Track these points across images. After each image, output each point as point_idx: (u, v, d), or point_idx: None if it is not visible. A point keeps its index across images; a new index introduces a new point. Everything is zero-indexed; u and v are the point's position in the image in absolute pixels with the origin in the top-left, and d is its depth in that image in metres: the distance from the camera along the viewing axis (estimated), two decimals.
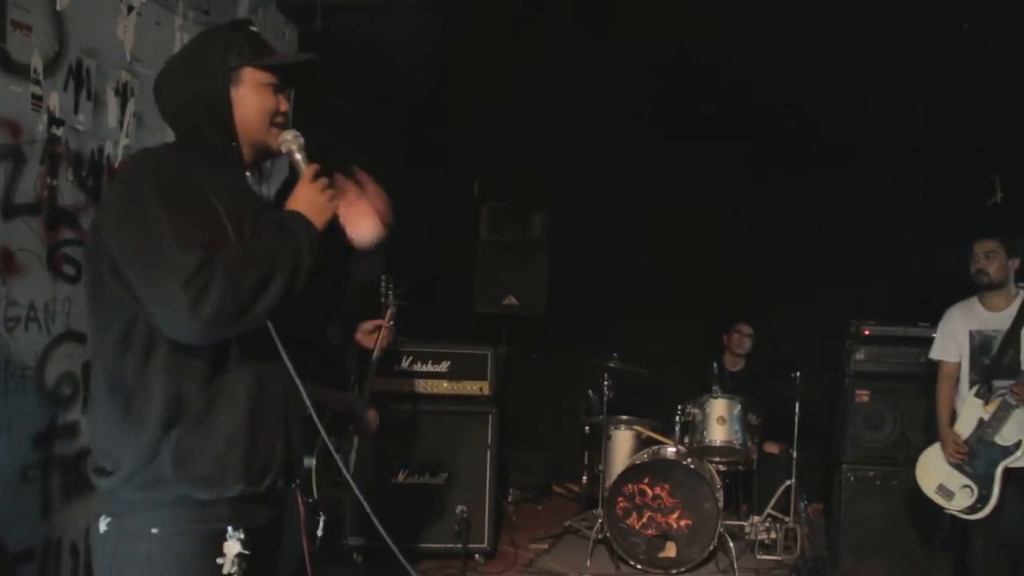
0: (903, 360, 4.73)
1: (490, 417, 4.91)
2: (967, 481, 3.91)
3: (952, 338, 4.14)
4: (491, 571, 4.82)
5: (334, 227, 1.91)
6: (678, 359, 6.10)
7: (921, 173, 6.10)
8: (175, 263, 1.62)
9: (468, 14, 4.96)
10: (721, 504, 4.93)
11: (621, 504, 4.91)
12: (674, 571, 4.82)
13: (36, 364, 2.91)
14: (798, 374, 5.17)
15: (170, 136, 1.94)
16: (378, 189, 2.14)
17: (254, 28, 1.96)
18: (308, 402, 1.81)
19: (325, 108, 4.91)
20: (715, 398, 5.16)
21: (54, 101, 2.93)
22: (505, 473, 6.26)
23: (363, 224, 1.99)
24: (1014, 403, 3.82)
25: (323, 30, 4.52)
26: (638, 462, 5.04)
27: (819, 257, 6.19)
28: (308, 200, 1.86)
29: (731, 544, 4.88)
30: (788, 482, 5.20)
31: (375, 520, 1.75)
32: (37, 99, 2.86)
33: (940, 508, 4.02)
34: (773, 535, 5.15)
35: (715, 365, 5.50)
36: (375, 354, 3.17)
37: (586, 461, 5.83)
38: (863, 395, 4.83)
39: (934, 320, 4.55)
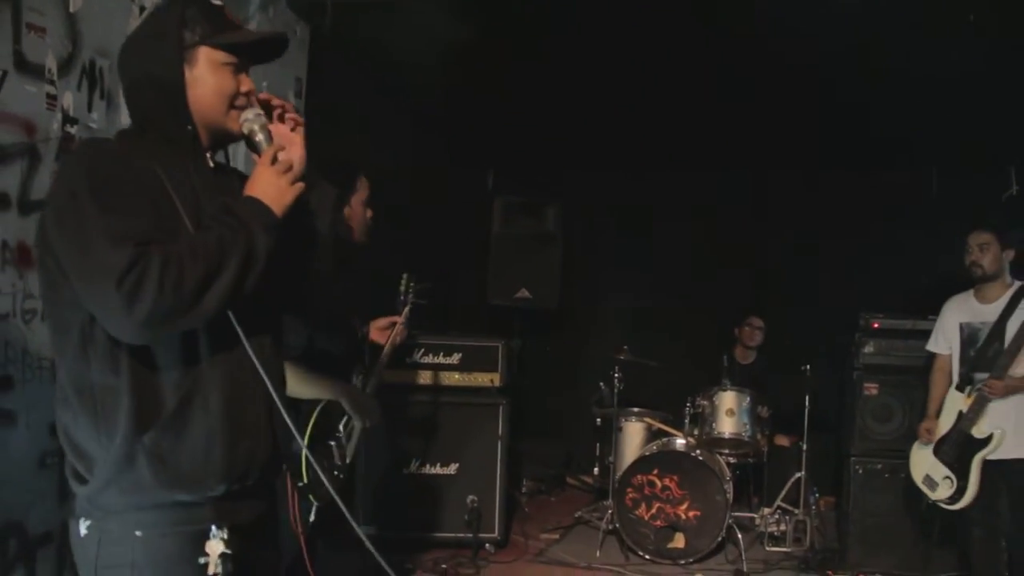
0: (912, 353, 4.72)
1: (500, 408, 4.98)
2: (948, 472, 3.96)
3: (943, 331, 4.21)
4: (502, 560, 4.88)
5: (301, 209, 1.77)
6: (689, 352, 6.13)
7: (935, 165, 6.08)
8: (106, 261, 1.52)
9: (480, 8, 5.01)
10: (730, 496, 4.97)
11: (630, 495, 4.97)
12: (683, 562, 4.87)
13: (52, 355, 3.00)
14: (808, 367, 5.20)
15: None
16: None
17: (217, 1, 1.80)
18: (273, 392, 1.72)
19: (337, 104, 5.00)
20: (724, 390, 5.19)
21: (68, 100, 3.01)
22: (518, 464, 6.33)
23: (295, 148, 1.76)
24: (988, 396, 3.84)
25: (334, 27, 4.58)
26: (647, 453, 5.09)
27: (832, 250, 6.19)
28: (266, 184, 1.71)
29: (740, 535, 4.91)
30: (798, 474, 5.23)
31: (343, 508, 1.73)
32: (51, 98, 2.94)
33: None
34: (783, 527, 5.18)
35: (724, 358, 5.52)
36: (386, 349, 3.22)
37: (598, 453, 5.88)
38: (872, 388, 4.84)
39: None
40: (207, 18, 1.74)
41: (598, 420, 5.83)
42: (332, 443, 2.89)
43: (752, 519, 5.33)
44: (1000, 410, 3.84)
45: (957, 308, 4.17)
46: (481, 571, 4.67)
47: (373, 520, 4.84)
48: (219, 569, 1.70)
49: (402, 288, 3.45)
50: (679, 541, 4.90)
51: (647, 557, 4.90)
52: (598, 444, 5.85)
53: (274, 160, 1.73)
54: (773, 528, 5.19)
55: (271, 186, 1.71)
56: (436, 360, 5.02)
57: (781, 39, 4.90)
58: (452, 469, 4.94)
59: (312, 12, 4.52)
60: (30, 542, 2.94)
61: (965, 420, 3.91)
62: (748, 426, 5.15)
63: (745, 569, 4.74)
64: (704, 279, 6.44)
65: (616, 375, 5.38)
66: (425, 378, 5.01)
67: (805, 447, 5.19)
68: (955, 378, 4.08)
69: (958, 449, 3.93)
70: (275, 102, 1.82)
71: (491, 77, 5.80)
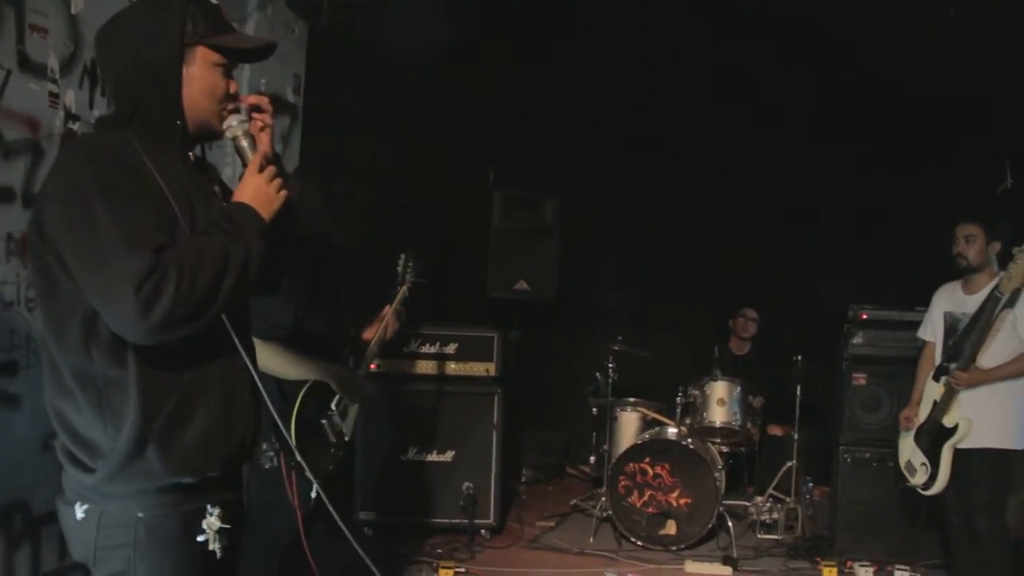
0: (899, 344, 4.81)
1: (496, 397, 5.09)
2: (924, 459, 4.05)
3: (931, 319, 4.27)
4: (496, 546, 5.00)
5: (285, 215, 1.85)
6: (684, 342, 6.23)
7: (929, 157, 6.13)
8: (124, 268, 1.56)
9: (478, 6, 5.10)
10: (721, 483, 5.06)
11: (623, 483, 5.07)
12: (674, 548, 4.97)
13: None
14: (800, 357, 5.29)
15: None
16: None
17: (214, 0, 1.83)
18: (258, 380, 1.81)
19: (336, 100, 5.11)
20: (715, 380, 5.30)
21: (70, 98, 3.14)
22: (518, 454, 6.46)
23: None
24: (955, 387, 3.91)
25: (332, 25, 4.69)
26: (639, 442, 5.19)
27: (825, 241, 6.26)
28: (255, 190, 1.78)
29: (730, 522, 5.00)
30: (789, 463, 5.32)
31: (319, 488, 1.82)
32: (54, 96, 3.07)
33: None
34: (775, 515, 5.27)
35: (716, 348, 5.62)
36: (372, 342, 3.23)
37: (594, 442, 5.99)
38: (860, 378, 4.92)
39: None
40: (207, 17, 1.77)
41: (594, 410, 5.93)
42: (324, 421, 2.95)
43: (745, 507, 5.42)
44: (970, 400, 3.90)
45: (944, 297, 4.23)
46: (476, 556, 4.78)
47: (371, 506, 4.97)
48: (216, 544, 1.78)
49: (399, 267, 3.47)
50: (670, 528, 5.00)
51: (639, 543, 5.00)
52: (594, 434, 5.95)
53: (261, 168, 1.80)
54: (765, 516, 5.28)
55: (260, 194, 1.78)
56: (433, 350, 5.13)
57: (779, 38, 5.01)
58: (448, 456, 5.06)
59: (310, 10, 4.63)
60: (35, 520, 3.08)
61: (937, 409, 3.98)
62: (739, 415, 5.25)
63: (735, 555, 4.83)
64: (698, 271, 6.54)
65: (611, 365, 5.49)
66: (422, 367, 5.11)
67: (796, 437, 5.28)
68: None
69: (931, 437, 4.01)
70: (249, 100, 1.88)
71: (489, 74, 5.91)
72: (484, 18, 5.22)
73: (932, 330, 4.25)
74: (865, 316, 4.96)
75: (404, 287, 3.43)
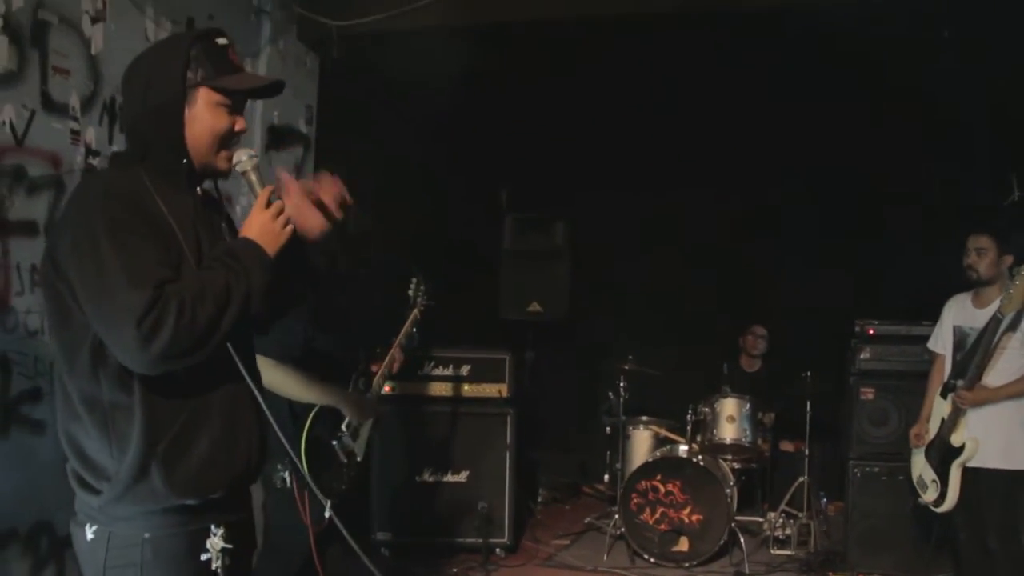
0: (907, 358, 4.84)
1: (508, 418, 5.16)
2: (934, 476, 3.98)
3: (941, 331, 4.18)
4: (511, 564, 5.05)
5: (295, 248, 1.91)
6: (694, 360, 6.28)
7: (936, 169, 6.17)
8: (126, 302, 1.63)
9: (484, 34, 5.22)
10: (732, 500, 5.10)
11: (635, 500, 5.12)
12: (687, 564, 5.00)
13: None
14: (808, 374, 5.34)
15: None
16: (330, 178, 1.99)
17: (221, 40, 1.88)
18: (263, 403, 1.87)
19: (349, 130, 5.25)
20: (725, 397, 5.35)
21: (90, 135, 3.30)
22: (533, 473, 6.52)
23: (307, 219, 1.92)
24: (961, 406, 3.85)
25: (344, 56, 4.82)
26: (651, 460, 5.24)
27: (833, 257, 6.29)
28: (261, 227, 1.84)
29: (742, 538, 5.04)
30: (801, 479, 5.36)
31: (316, 489, 1.90)
32: (75, 133, 3.23)
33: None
34: (788, 531, 5.29)
35: (725, 366, 5.67)
36: (377, 376, 3.30)
37: (607, 461, 6.04)
38: (868, 392, 4.96)
39: (937, 319, 4.68)
40: (211, 59, 1.83)
41: (607, 429, 6.00)
42: (334, 443, 3.04)
43: (759, 523, 5.45)
44: (978, 419, 3.83)
45: (955, 309, 4.13)
46: (491, 574, 4.85)
47: (388, 526, 5.05)
48: (219, 563, 1.84)
49: (411, 291, 3.55)
50: (683, 544, 5.04)
51: (652, 560, 5.04)
52: (608, 452, 6.01)
53: (268, 203, 1.85)
54: (778, 532, 5.30)
55: (266, 230, 1.83)
56: (446, 372, 5.21)
57: (780, 57, 5.10)
58: (463, 477, 5.13)
59: (321, 43, 4.77)
60: (59, 541, 3.19)
61: (945, 427, 3.92)
62: (748, 432, 5.29)
63: (747, 571, 4.86)
64: (707, 290, 6.59)
65: (622, 384, 5.56)
66: (436, 389, 5.20)
67: (808, 452, 5.32)
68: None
69: (940, 455, 3.95)
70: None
71: (500, 99, 6.03)
72: (493, 45, 5.34)
73: (942, 343, 4.15)
74: (872, 331, 5.01)
75: (415, 310, 3.51)
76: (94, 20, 3.34)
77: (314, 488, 2.23)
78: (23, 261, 3.06)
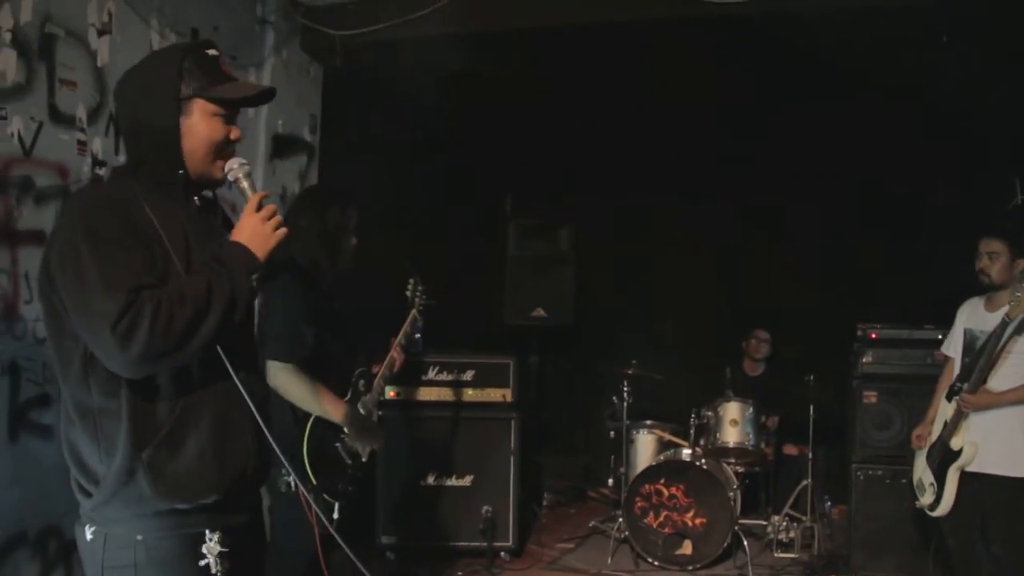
0: (909, 361, 4.88)
1: (513, 422, 5.19)
2: (932, 479, 3.96)
3: (953, 334, 4.13)
4: (516, 568, 5.09)
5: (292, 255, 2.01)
6: (698, 364, 6.31)
7: (941, 173, 6.18)
8: (101, 308, 1.67)
9: (486, 42, 5.26)
10: (736, 503, 5.12)
11: (639, 504, 5.15)
12: (690, 568, 5.03)
13: None
14: (811, 377, 5.36)
15: None
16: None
17: (212, 52, 1.93)
18: (256, 412, 1.89)
19: (353, 138, 5.31)
20: (728, 401, 5.36)
21: (97, 145, 3.36)
22: (538, 477, 6.55)
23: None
24: (964, 409, 3.82)
25: (347, 65, 4.87)
26: (655, 464, 5.27)
27: (837, 260, 6.32)
28: (251, 231, 1.87)
29: (745, 541, 5.06)
30: (804, 482, 5.38)
31: (312, 503, 1.92)
32: (82, 144, 3.29)
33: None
34: (792, 534, 5.31)
35: (728, 370, 5.69)
36: (377, 379, 3.30)
37: (612, 464, 6.07)
38: (871, 396, 4.98)
39: (939, 322, 4.71)
40: (203, 70, 1.86)
41: (612, 433, 6.02)
42: (337, 444, 3.06)
43: (763, 526, 5.47)
44: (979, 423, 3.79)
45: (967, 313, 4.07)
46: None
47: (393, 530, 5.09)
48: (218, 568, 1.87)
49: (408, 292, 3.55)
50: (687, 548, 5.07)
51: (656, 564, 5.06)
52: (612, 456, 6.04)
53: (259, 207, 1.90)
54: (782, 535, 5.32)
55: (255, 234, 1.88)
56: (451, 377, 5.25)
57: (782, 58, 5.12)
58: (468, 481, 5.16)
59: (324, 52, 4.81)
60: (67, 545, 3.24)
61: (946, 430, 3.89)
62: (751, 435, 5.31)
63: (751, 574, 4.88)
64: (710, 295, 6.63)
65: (626, 389, 5.59)
66: (441, 394, 5.23)
67: (811, 456, 5.34)
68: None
69: (939, 458, 3.93)
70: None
71: (503, 105, 6.07)
72: (495, 53, 5.38)
73: (954, 346, 4.10)
74: (875, 335, 5.03)
75: (414, 310, 3.53)
76: (100, 33, 3.40)
77: (311, 502, 2.24)
78: (32, 270, 3.12)
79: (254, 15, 4.52)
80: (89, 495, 1.83)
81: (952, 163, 5.91)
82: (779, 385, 6.00)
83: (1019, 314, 3.64)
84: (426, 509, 5.12)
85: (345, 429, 3.02)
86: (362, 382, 3.17)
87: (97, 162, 3.36)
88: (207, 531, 1.87)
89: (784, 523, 5.33)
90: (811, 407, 5.31)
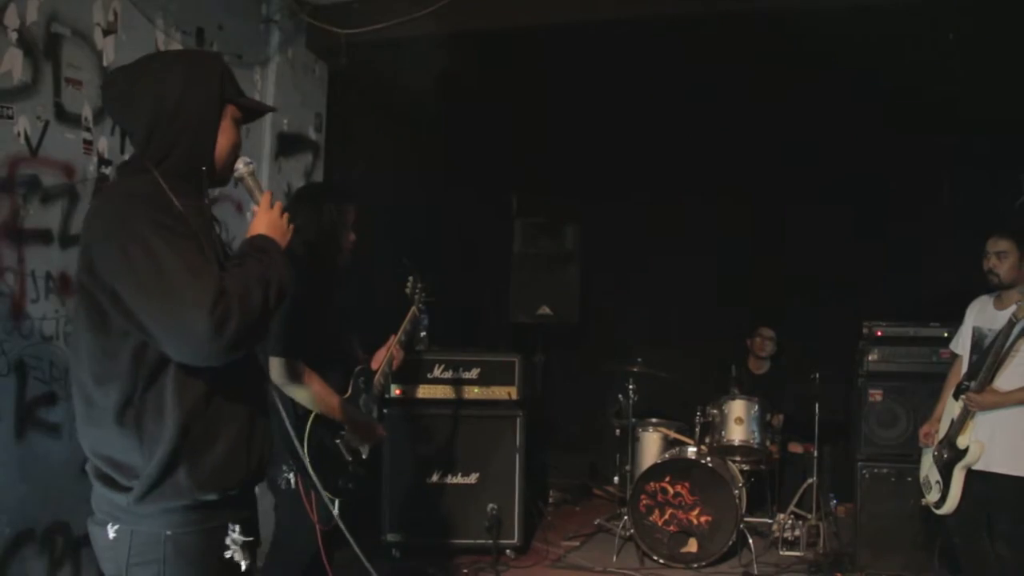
0: (915, 359, 4.88)
1: (518, 420, 5.19)
2: (939, 477, 3.96)
3: (962, 332, 4.13)
4: (521, 565, 5.09)
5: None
6: (703, 362, 6.31)
7: (946, 171, 6.17)
8: (194, 296, 1.70)
9: (492, 41, 5.27)
10: (741, 501, 5.12)
11: (644, 502, 5.15)
12: (695, 566, 5.03)
13: None
14: (817, 375, 5.35)
15: None
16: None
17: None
18: (280, 406, 2.00)
19: (358, 136, 5.32)
20: (733, 399, 5.37)
21: (102, 145, 3.37)
22: (543, 475, 6.56)
23: None
24: (970, 408, 3.82)
25: (352, 64, 4.88)
26: (660, 461, 5.27)
27: (842, 258, 6.30)
28: (270, 224, 1.98)
29: (751, 539, 5.06)
30: (810, 480, 5.37)
31: (321, 491, 1.93)
32: (88, 143, 3.31)
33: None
34: (797, 532, 5.31)
35: (732, 367, 5.69)
36: (378, 375, 3.31)
37: (617, 462, 6.08)
38: (876, 394, 4.97)
39: (945, 320, 4.70)
40: (231, 79, 2.00)
41: (617, 431, 6.03)
42: (337, 441, 3.07)
43: (768, 525, 5.47)
44: (986, 422, 3.79)
45: (976, 311, 4.07)
46: (501, 575, 4.90)
47: (398, 528, 5.10)
48: (243, 558, 1.93)
49: (408, 289, 3.56)
50: (692, 546, 5.07)
51: (661, 561, 5.07)
52: (618, 454, 6.04)
53: (271, 204, 2.02)
54: (788, 533, 5.32)
55: (275, 226, 1.98)
56: (456, 375, 5.26)
57: (785, 58, 5.12)
58: (473, 479, 5.17)
59: (329, 51, 4.82)
60: (75, 541, 3.27)
61: (953, 428, 3.89)
62: (757, 434, 5.31)
63: (756, 572, 4.89)
64: (715, 292, 6.62)
65: (631, 387, 5.59)
66: (446, 392, 5.24)
67: (816, 454, 5.34)
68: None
69: (945, 456, 3.93)
70: None
71: (509, 104, 6.08)
72: (501, 51, 5.38)
73: (962, 344, 4.10)
74: (880, 333, 5.02)
75: (413, 308, 3.54)
76: (106, 32, 3.42)
77: (322, 492, 2.26)
78: (38, 269, 3.15)
79: (259, 14, 4.53)
80: (122, 490, 1.83)
81: (959, 160, 5.89)
82: (784, 383, 6.00)
83: None
84: (431, 507, 5.13)
85: (345, 426, 3.04)
86: (362, 379, 3.18)
87: (103, 161, 3.37)
88: (229, 523, 1.92)
89: (789, 521, 5.33)
90: (816, 405, 5.30)
